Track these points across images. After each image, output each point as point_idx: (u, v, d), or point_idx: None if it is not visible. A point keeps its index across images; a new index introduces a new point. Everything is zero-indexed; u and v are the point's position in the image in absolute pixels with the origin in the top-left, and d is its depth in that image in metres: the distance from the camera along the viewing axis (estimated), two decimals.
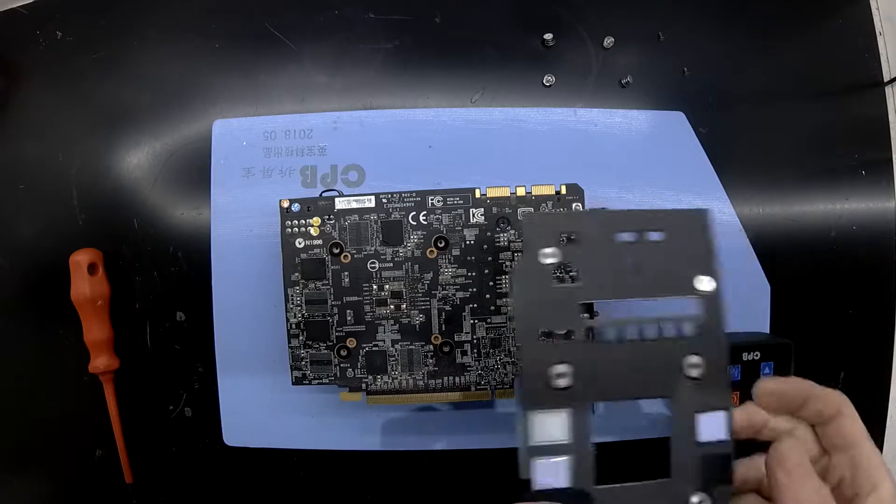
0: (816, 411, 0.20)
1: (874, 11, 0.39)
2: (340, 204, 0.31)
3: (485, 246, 0.31)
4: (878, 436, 0.38)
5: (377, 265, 0.31)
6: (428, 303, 0.31)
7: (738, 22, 0.38)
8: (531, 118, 0.36)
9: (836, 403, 0.20)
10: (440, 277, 0.31)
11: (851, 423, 0.20)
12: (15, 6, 0.37)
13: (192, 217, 0.36)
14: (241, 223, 0.35)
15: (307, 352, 0.32)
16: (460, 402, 0.35)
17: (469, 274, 0.31)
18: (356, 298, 0.31)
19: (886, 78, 0.39)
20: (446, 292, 0.31)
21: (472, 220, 0.31)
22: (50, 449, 0.37)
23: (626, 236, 0.20)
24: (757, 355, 0.34)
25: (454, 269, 0.31)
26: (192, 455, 0.37)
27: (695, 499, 0.19)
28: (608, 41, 0.37)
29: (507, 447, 0.36)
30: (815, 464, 0.20)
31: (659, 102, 0.37)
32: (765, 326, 0.37)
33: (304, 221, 0.32)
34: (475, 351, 0.31)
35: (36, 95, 0.37)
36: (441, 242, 0.31)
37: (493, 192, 0.31)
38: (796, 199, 0.37)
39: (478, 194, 0.31)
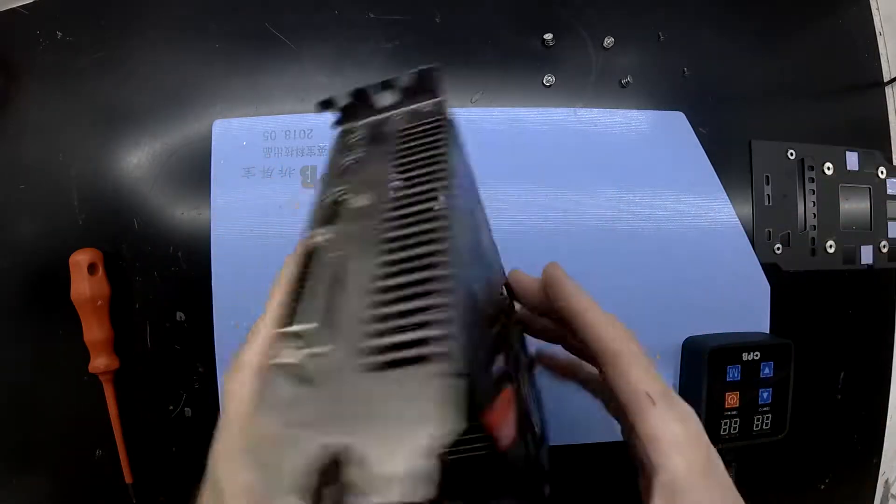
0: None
1: (874, 11, 0.39)
2: None
3: None
4: (878, 435, 0.38)
5: None
6: None
7: (738, 22, 0.38)
8: (531, 118, 0.36)
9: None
10: None
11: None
12: (15, 6, 0.37)
13: (192, 217, 0.36)
14: (241, 223, 0.35)
15: None
16: None
17: None
18: None
19: (886, 78, 0.39)
20: None
21: None
22: (50, 449, 0.37)
23: None
24: (757, 355, 0.34)
25: None
26: (192, 455, 0.37)
27: None
28: (608, 41, 0.37)
29: None
30: None
31: (659, 102, 0.37)
32: (765, 326, 0.37)
33: None
34: None
35: (36, 95, 0.37)
36: None
37: None
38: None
39: None
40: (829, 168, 0.37)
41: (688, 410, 0.21)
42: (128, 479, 0.36)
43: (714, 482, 0.20)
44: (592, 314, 0.22)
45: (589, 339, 0.22)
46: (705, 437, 0.21)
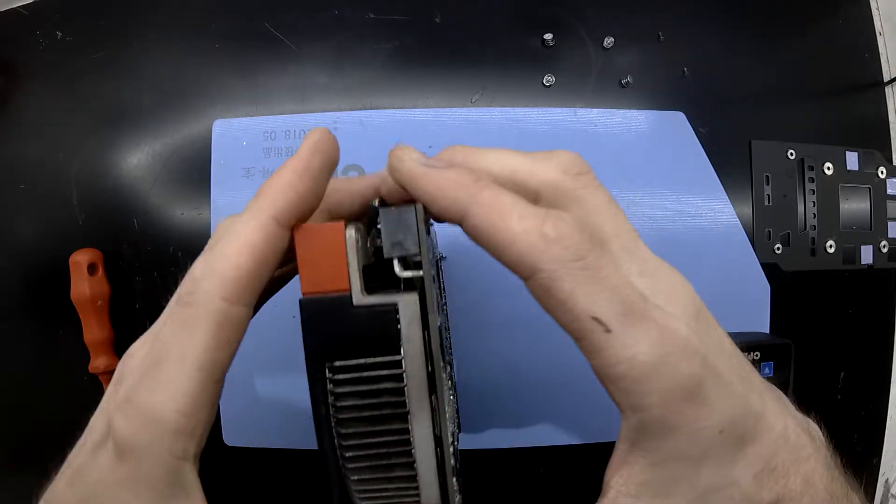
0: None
1: (874, 11, 0.39)
2: None
3: None
4: (878, 435, 0.38)
5: None
6: None
7: (738, 22, 0.38)
8: (531, 118, 0.36)
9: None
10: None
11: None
12: (15, 6, 0.37)
13: (192, 217, 0.36)
14: None
15: None
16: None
17: None
18: None
19: (886, 78, 0.39)
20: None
21: None
22: (50, 449, 0.37)
23: None
24: (757, 355, 0.34)
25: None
26: None
27: None
28: (608, 41, 0.37)
29: (507, 447, 0.36)
30: None
31: (659, 102, 0.37)
32: (765, 326, 0.37)
33: None
34: None
35: (36, 95, 0.37)
36: None
37: None
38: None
39: None
40: (829, 168, 0.37)
41: (670, 316, 0.15)
42: None
43: (705, 410, 0.14)
44: (491, 223, 0.15)
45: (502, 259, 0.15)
46: (694, 342, 0.15)
